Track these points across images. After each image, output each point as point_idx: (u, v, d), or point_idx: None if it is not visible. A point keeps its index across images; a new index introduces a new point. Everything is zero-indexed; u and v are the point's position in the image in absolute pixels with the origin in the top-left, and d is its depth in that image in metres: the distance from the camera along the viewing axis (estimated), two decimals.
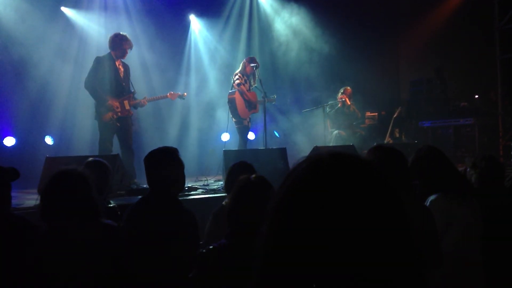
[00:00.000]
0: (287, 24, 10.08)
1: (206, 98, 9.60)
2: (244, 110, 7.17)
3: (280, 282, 0.77)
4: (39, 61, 7.86)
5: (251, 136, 8.60)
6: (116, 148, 6.32)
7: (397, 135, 9.52)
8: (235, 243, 1.92)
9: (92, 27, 8.51)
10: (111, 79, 6.11)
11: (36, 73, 7.87)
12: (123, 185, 5.25)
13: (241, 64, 7.37)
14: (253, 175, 2.11)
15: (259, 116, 7.79)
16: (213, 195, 5.19)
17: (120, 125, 6.16)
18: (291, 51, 9.99)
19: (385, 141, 8.76)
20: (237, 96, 7.12)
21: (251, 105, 7.26)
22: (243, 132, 7.28)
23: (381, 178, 0.80)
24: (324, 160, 0.81)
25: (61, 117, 8.15)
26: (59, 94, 8.10)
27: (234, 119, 7.23)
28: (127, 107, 6.22)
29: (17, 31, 7.60)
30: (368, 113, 9.93)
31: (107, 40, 6.33)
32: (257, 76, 7.21)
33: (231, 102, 7.16)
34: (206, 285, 1.88)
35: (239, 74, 7.23)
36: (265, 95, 6.98)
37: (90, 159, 3.58)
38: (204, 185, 6.20)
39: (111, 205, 3.47)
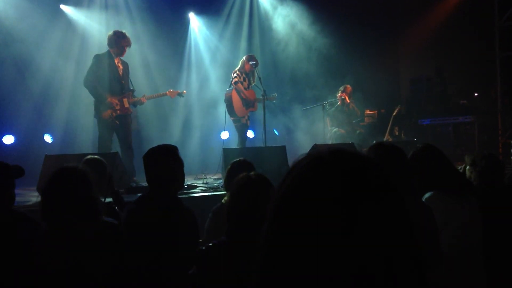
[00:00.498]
0: (287, 22, 10.07)
1: (206, 96, 9.59)
2: (241, 108, 7.16)
3: (280, 282, 0.76)
4: (38, 59, 7.86)
5: (250, 134, 8.59)
6: (116, 146, 6.32)
7: (397, 133, 9.52)
8: (235, 241, 1.92)
9: (91, 24, 8.51)
10: (110, 77, 6.10)
11: (36, 71, 7.87)
12: (122, 183, 5.25)
13: (240, 62, 7.36)
14: (253, 173, 2.11)
15: (258, 114, 7.78)
16: (212, 193, 5.19)
17: (120, 123, 6.15)
18: (291, 49, 9.99)
19: (385, 139, 8.76)
20: (234, 94, 7.12)
21: (248, 103, 7.24)
22: (241, 130, 7.27)
23: (383, 175, 0.80)
24: (324, 157, 0.81)
25: (60, 115, 8.15)
26: (59, 92, 8.10)
27: (231, 117, 7.22)
28: (126, 104, 6.22)
29: (17, 28, 7.60)
30: (367, 111, 9.93)
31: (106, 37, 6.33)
32: (256, 74, 7.20)
33: (228, 100, 7.15)
34: (206, 282, 1.88)
35: (237, 72, 7.21)
36: (264, 93, 6.97)
37: (88, 157, 3.59)
38: (204, 183, 6.20)
39: (108, 201, 3.47)
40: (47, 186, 2.45)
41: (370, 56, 10.36)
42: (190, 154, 8.37)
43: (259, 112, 7.38)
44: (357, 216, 0.74)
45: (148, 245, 2.57)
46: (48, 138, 8.03)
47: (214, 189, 5.56)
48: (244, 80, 7.23)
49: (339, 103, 8.50)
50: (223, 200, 3.12)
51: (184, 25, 9.94)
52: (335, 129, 8.37)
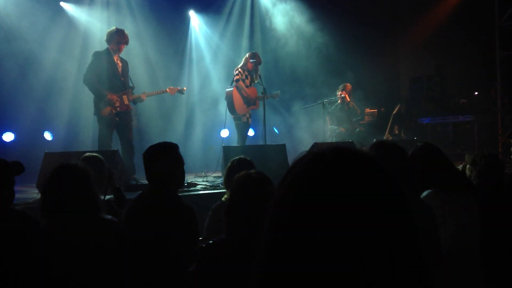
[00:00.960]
0: (287, 20, 10.06)
1: (206, 94, 9.60)
2: (242, 106, 7.13)
3: (281, 280, 0.76)
4: (39, 56, 7.86)
5: (250, 132, 8.59)
6: (116, 143, 6.30)
7: (397, 131, 9.52)
8: (235, 239, 1.92)
9: (91, 21, 8.49)
10: (109, 74, 6.09)
11: (36, 69, 7.87)
12: (122, 181, 5.24)
13: (243, 59, 7.33)
14: (253, 171, 2.11)
15: (258, 112, 7.77)
16: (212, 191, 5.20)
17: (119, 119, 6.14)
18: (291, 47, 9.98)
19: (385, 138, 8.76)
20: (235, 92, 7.09)
21: (249, 101, 7.21)
22: (242, 128, 7.23)
23: (385, 173, 0.80)
24: (325, 155, 0.80)
25: (60, 112, 8.15)
26: (59, 90, 8.09)
27: (232, 115, 7.20)
28: (126, 101, 6.21)
29: (18, 26, 7.59)
30: (367, 110, 9.92)
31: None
32: (258, 71, 7.18)
33: (229, 98, 7.12)
34: (205, 280, 1.88)
35: (239, 70, 7.17)
36: (264, 91, 6.95)
37: (86, 154, 3.59)
38: (204, 181, 6.21)
39: (108, 198, 3.47)
40: (47, 184, 2.45)
41: (370, 55, 10.36)
42: (190, 152, 8.37)
43: (259, 110, 7.38)
44: (359, 214, 0.74)
45: (147, 242, 2.57)
46: (48, 136, 8.03)
47: (214, 187, 5.56)
48: (246, 77, 7.19)
49: (339, 101, 8.50)
50: (223, 198, 3.12)
51: (184, 23, 9.93)
52: (335, 128, 8.37)
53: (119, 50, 6.21)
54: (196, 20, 10.02)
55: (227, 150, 5.89)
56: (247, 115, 7.25)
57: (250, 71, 7.22)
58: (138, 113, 8.39)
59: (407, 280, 0.74)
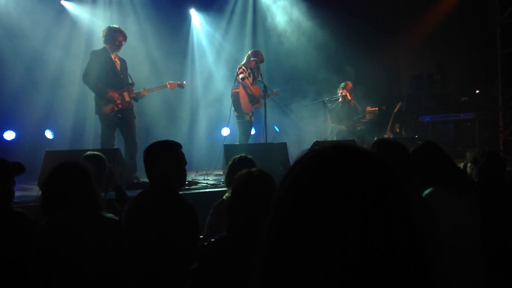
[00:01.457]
0: (288, 19, 10.06)
1: (207, 92, 9.60)
2: (247, 104, 7.12)
3: (281, 278, 0.76)
4: (40, 55, 7.86)
5: (251, 131, 8.58)
6: (118, 142, 6.28)
7: (398, 130, 9.52)
8: (236, 236, 1.92)
9: (88, 17, 8.49)
10: (108, 72, 6.08)
11: (37, 68, 7.87)
12: (123, 179, 5.25)
13: (245, 57, 7.32)
14: (254, 169, 2.10)
15: (259, 110, 7.77)
16: (213, 189, 5.20)
17: (122, 116, 6.13)
18: (291, 45, 9.98)
19: (386, 136, 8.75)
20: (241, 90, 7.06)
21: (254, 99, 7.20)
22: (245, 127, 7.19)
23: (387, 170, 0.80)
24: (327, 153, 0.80)
25: (61, 111, 8.15)
26: (60, 89, 8.09)
27: (236, 113, 7.16)
28: (127, 98, 6.20)
29: (20, 24, 7.59)
30: (368, 108, 9.91)
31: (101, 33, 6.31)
32: (260, 69, 7.17)
33: (235, 96, 7.09)
34: (207, 278, 1.88)
35: (243, 67, 7.15)
36: (265, 89, 6.94)
37: (88, 152, 3.60)
38: (205, 179, 6.21)
39: (109, 196, 3.48)
40: (47, 182, 2.46)
41: (371, 53, 10.35)
42: (190, 150, 8.37)
43: (260, 109, 7.37)
44: (360, 211, 0.74)
45: (148, 241, 2.57)
46: (49, 134, 8.03)
47: (215, 185, 5.57)
48: (249, 75, 7.17)
49: (340, 99, 8.50)
50: (224, 196, 3.12)
51: (185, 22, 9.92)
52: (336, 126, 8.37)
53: (117, 48, 6.19)
54: (197, 18, 10.01)
55: (228, 148, 5.88)
56: (250, 114, 7.23)
57: (252, 69, 7.20)
58: (140, 112, 8.39)
59: (408, 277, 0.74)
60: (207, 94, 9.63)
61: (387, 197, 0.77)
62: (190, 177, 6.16)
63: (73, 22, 8.40)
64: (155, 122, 8.81)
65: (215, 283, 1.86)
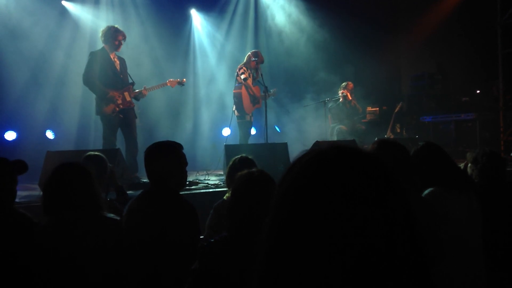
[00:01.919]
0: (288, 18, 10.07)
1: (208, 92, 9.60)
2: (249, 105, 7.13)
3: (282, 278, 0.76)
4: (40, 55, 7.86)
5: (251, 131, 8.59)
6: (120, 142, 6.28)
7: (398, 130, 9.52)
8: (237, 237, 1.92)
9: (90, 18, 8.49)
10: (108, 72, 6.06)
11: (38, 68, 7.87)
12: (124, 179, 5.25)
13: (246, 57, 7.32)
14: (255, 169, 2.11)
15: (260, 111, 7.77)
16: (214, 190, 5.20)
17: (123, 116, 6.12)
18: (292, 45, 9.98)
19: (386, 136, 8.76)
20: (244, 90, 7.06)
21: (255, 99, 7.22)
22: (245, 127, 7.21)
23: (387, 171, 0.80)
24: (327, 153, 0.80)
25: (62, 111, 8.15)
26: (61, 89, 8.09)
27: (237, 113, 7.17)
28: (128, 98, 6.18)
29: (21, 24, 7.60)
30: (369, 108, 9.92)
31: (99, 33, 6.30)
32: (260, 70, 7.18)
33: (237, 97, 7.09)
34: (207, 278, 1.88)
35: (244, 68, 7.16)
36: (266, 89, 6.94)
37: (89, 152, 3.60)
38: (206, 179, 6.21)
39: (109, 199, 3.48)
40: (48, 182, 2.46)
41: (371, 53, 10.35)
42: (191, 150, 8.37)
43: (261, 109, 7.38)
44: (360, 212, 0.74)
45: (149, 241, 2.57)
46: (50, 134, 8.03)
47: (216, 185, 5.57)
48: (249, 76, 7.19)
49: (341, 100, 8.50)
50: (225, 197, 3.12)
51: (187, 22, 9.93)
52: (337, 126, 8.37)
53: (117, 47, 6.15)
54: (197, 19, 10.02)
55: (229, 148, 5.89)
56: (250, 114, 7.25)
57: (252, 70, 7.21)
58: (140, 112, 8.40)
59: (409, 277, 0.74)
60: (209, 94, 9.63)
61: (387, 198, 0.77)
62: (191, 177, 6.17)
63: (75, 23, 8.40)
64: (157, 123, 8.81)
65: (215, 284, 1.86)
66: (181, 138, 8.26)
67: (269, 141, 7.04)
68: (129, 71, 6.41)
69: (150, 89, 6.51)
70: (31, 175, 4.73)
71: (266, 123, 6.94)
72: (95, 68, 6.01)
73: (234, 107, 7.16)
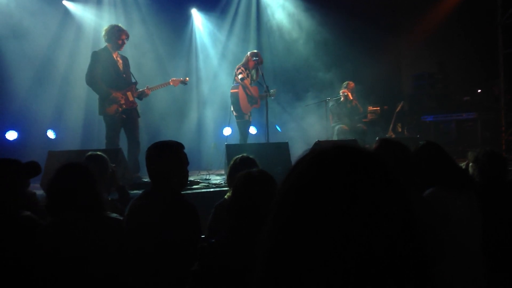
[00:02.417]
0: (289, 18, 10.07)
1: (209, 91, 9.60)
2: (246, 105, 7.14)
3: (282, 278, 0.76)
4: (41, 54, 7.86)
5: (252, 130, 8.60)
6: (123, 142, 6.27)
7: (399, 129, 9.52)
8: (237, 237, 1.92)
9: (91, 17, 8.49)
10: (111, 72, 6.04)
11: (39, 68, 7.87)
12: (125, 179, 5.25)
13: (244, 57, 7.33)
14: (255, 169, 2.11)
15: (261, 110, 7.77)
16: (215, 189, 5.20)
17: (126, 116, 6.12)
18: (293, 45, 9.98)
19: (387, 136, 8.76)
20: (241, 90, 7.08)
21: (252, 99, 7.23)
22: (244, 126, 7.25)
23: (388, 170, 0.80)
24: (329, 153, 0.80)
25: (63, 110, 8.15)
26: (64, 89, 8.09)
27: (235, 113, 7.19)
28: (131, 98, 6.18)
29: (22, 24, 7.59)
30: (370, 108, 9.91)
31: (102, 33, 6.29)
32: (259, 70, 7.18)
33: (234, 97, 7.10)
34: (208, 279, 1.89)
35: (241, 68, 7.17)
36: (267, 89, 6.95)
37: (90, 152, 3.60)
38: (206, 179, 6.21)
39: (110, 199, 3.49)
40: (51, 183, 2.46)
41: (372, 53, 10.34)
42: (192, 150, 8.36)
43: (262, 108, 7.38)
44: (361, 212, 0.74)
45: (149, 241, 2.57)
46: (51, 134, 8.03)
47: (217, 185, 5.57)
48: (248, 76, 7.20)
49: (342, 99, 8.50)
50: (225, 196, 3.12)
51: (188, 22, 9.92)
52: (338, 126, 8.37)
53: (120, 47, 6.13)
54: (198, 18, 10.02)
55: (230, 148, 5.89)
56: (249, 114, 7.26)
57: (250, 70, 7.22)
58: (141, 112, 8.39)
59: (409, 277, 0.75)
60: (210, 93, 9.63)
61: (388, 197, 0.77)
62: (193, 177, 6.17)
63: (77, 22, 8.40)
64: (159, 123, 8.81)
65: (216, 284, 1.87)
66: (184, 137, 8.27)
67: (270, 141, 7.04)
68: (131, 70, 6.40)
69: (153, 89, 6.50)
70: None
71: (267, 123, 6.94)
72: (98, 68, 5.99)
73: (232, 107, 7.17)
